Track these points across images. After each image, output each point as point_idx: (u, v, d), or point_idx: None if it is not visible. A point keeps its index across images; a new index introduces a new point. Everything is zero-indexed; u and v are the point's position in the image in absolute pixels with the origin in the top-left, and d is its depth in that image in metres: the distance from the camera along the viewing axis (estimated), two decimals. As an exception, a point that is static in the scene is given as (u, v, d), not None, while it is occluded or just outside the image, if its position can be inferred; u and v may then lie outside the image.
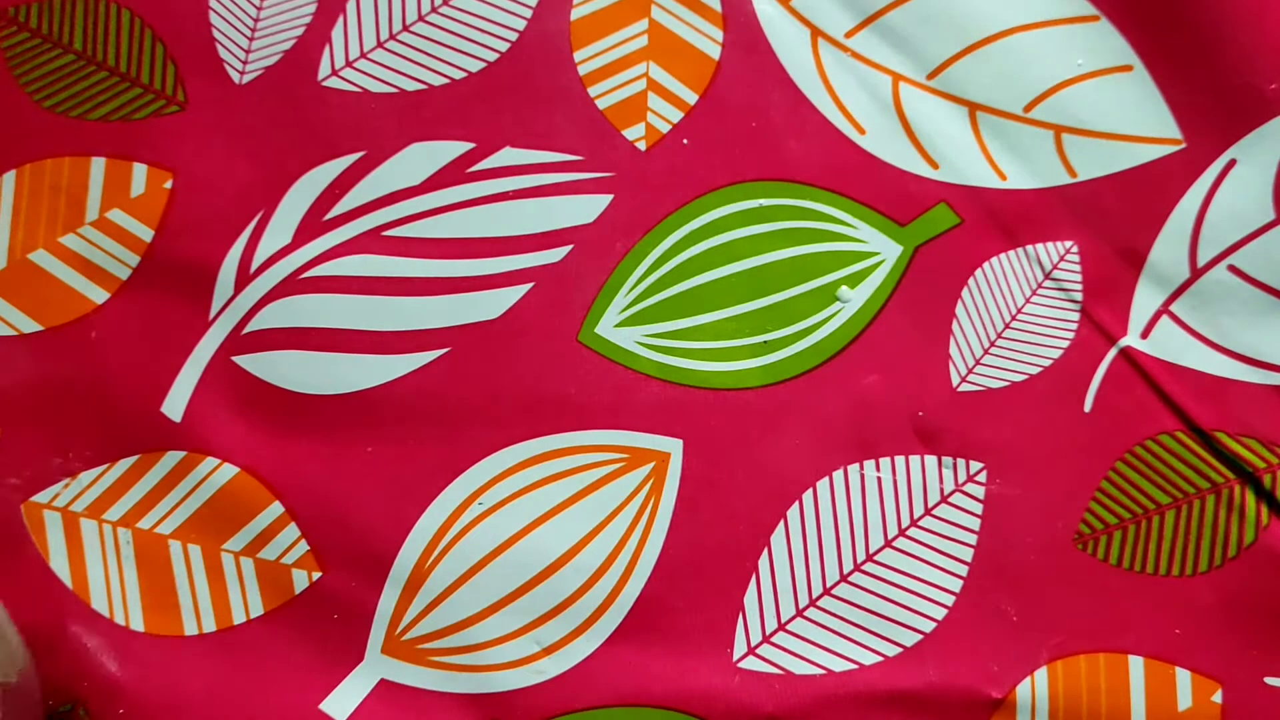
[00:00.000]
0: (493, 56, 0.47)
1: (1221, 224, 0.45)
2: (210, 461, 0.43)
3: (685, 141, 0.45)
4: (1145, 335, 0.44)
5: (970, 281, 0.45)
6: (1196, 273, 0.45)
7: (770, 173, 0.45)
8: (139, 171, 0.45)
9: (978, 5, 0.47)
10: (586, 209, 0.45)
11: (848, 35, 0.46)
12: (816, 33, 0.47)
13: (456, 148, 0.46)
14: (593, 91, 0.46)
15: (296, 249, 0.45)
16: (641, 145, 0.45)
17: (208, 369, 0.44)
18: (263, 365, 0.44)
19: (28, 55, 0.47)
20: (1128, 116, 0.46)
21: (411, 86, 0.46)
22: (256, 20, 0.47)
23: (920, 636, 0.41)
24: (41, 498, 0.43)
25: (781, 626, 0.42)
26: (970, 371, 0.44)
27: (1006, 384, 0.44)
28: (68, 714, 0.40)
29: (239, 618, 0.42)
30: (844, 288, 0.41)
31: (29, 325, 0.44)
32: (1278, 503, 0.42)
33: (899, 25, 0.47)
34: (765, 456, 0.43)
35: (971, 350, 0.44)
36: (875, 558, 0.42)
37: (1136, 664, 0.41)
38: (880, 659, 0.41)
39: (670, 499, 0.43)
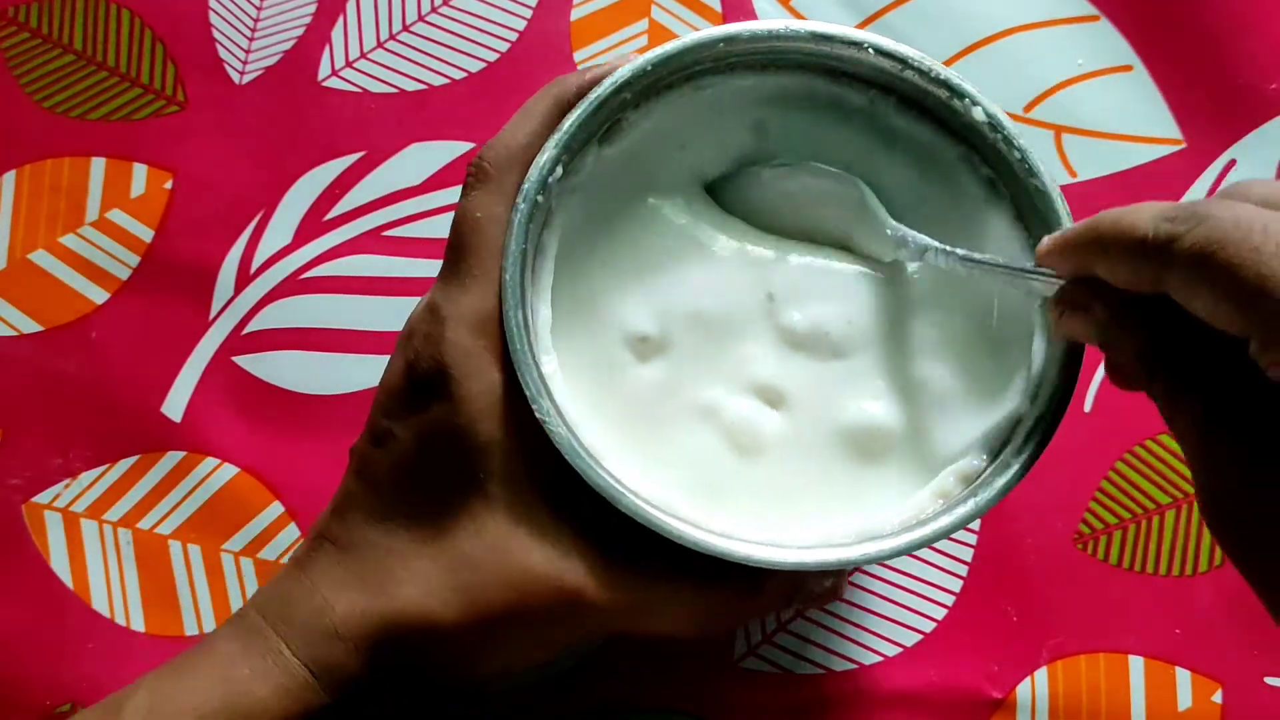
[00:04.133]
0: (493, 57, 0.47)
1: (1221, 224, 0.45)
2: (210, 461, 0.43)
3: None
4: (1145, 335, 0.44)
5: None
6: (1196, 273, 0.44)
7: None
8: (139, 171, 0.45)
9: (978, 5, 0.47)
10: (586, 209, 0.45)
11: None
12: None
13: (456, 147, 0.46)
14: (593, 91, 0.46)
15: (297, 249, 0.45)
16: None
17: (208, 369, 0.44)
18: (263, 365, 0.44)
19: (28, 55, 0.47)
20: (1128, 116, 0.46)
21: (411, 87, 0.46)
22: (256, 20, 0.47)
23: (920, 636, 0.41)
24: (42, 498, 0.43)
25: (782, 626, 0.42)
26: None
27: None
28: (66, 714, 0.40)
29: (239, 618, 0.42)
30: None
31: (29, 325, 0.44)
32: (1278, 503, 0.42)
33: (899, 25, 0.46)
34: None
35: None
36: (875, 558, 0.42)
37: (1136, 664, 0.41)
38: (880, 658, 0.41)
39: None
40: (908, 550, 0.29)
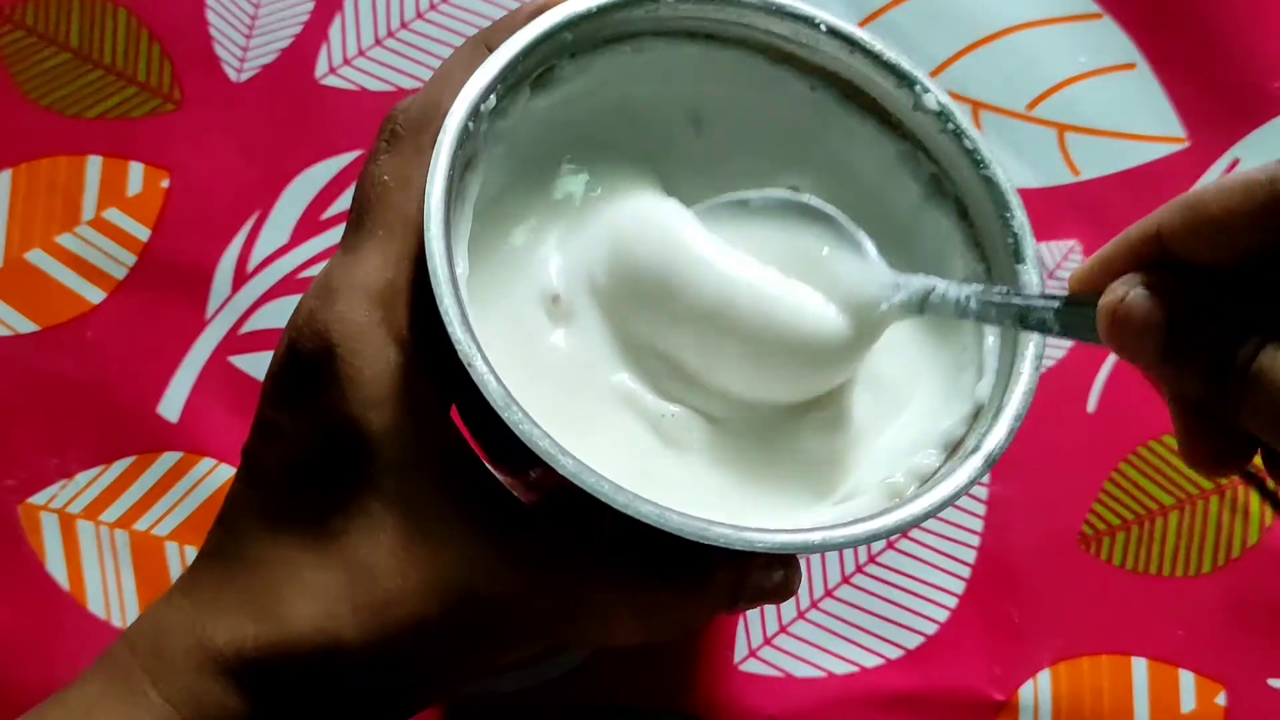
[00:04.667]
0: (491, 54, 0.46)
1: (1225, 223, 0.44)
2: (207, 462, 0.42)
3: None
4: (1149, 335, 0.44)
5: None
6: (1200, 272, 0.44)
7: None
8: (135, 170, 0.45)
9: (980, 3, 0.46)
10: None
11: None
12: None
13: (455, 146, 0.45)
14: (592, 90, 0.46)
15: (294, 248, 0.45)
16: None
17: (204, 369, 0.43)
18: (260, 365, 0.43)
19: (24, 53, 0.46)
20: (1131, 115, 0.46)
21: (410, 85, 0.46)
22: (254, 18, 0.47)
23: (922, 639, 0.41)
24: (38, 499, 0.42)
25: (783, 629, 0.41)
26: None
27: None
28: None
29: (236, 620, 0.41)
30: None
31: (25, 325, 0.44)
32: (1282, 503, 0.42)
33: (900, 22, 0.46)
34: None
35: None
36: (877, 559, 0.42)
37: (1139, 665, 0.41)
38: (882, 661, 0.41)
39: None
40: (876, 537, 0.26)
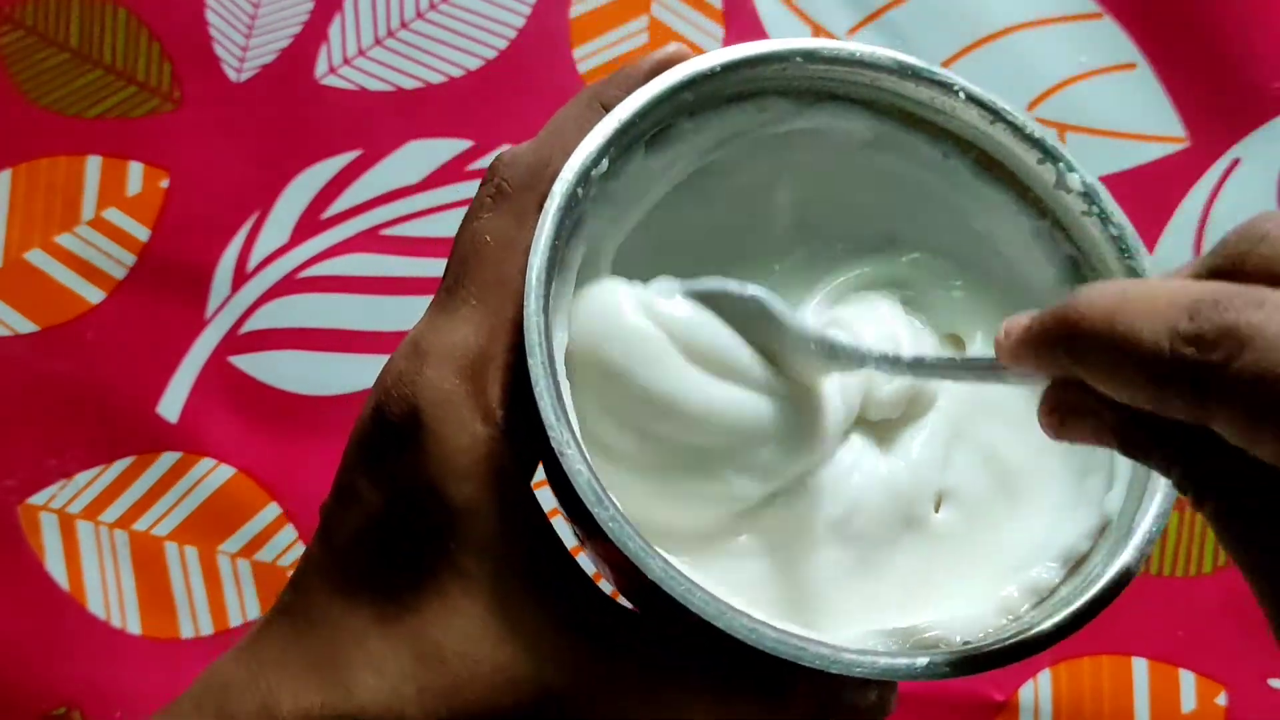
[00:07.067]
0: (492, 54, 0.46)
1: (1226, 223, 0.44)
2: (207, 462, 0.42)
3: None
4: (1149, 335, 0.44)
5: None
6: (1200, 272, 0.44)
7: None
8: (135, 170, 0.45)
9: (980, 3, 0.46)
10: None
11: (849, 33, 0.46)
12: (817, 30, 0.46)
13: (455, 146, 0.45)
14: (592, 89, 0.46)
15: (293, 248, 0.45)
16: (641, 144, 0.45)
17: (204, 369, 0.43)
18: (260, 365, 0.43)
19: (24, 53, 0.46)
20: (1131, 114, 0.45)
21: (410, 84, 0.46)
22: (253, 18, 0.47)
23: (922, 638, 0.41)
24: (38, 499, 0.42)
25: (782, 628, 0.41)
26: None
27: (1009, 384, 0.43)
28: (61, 718, 0.40)
29: (235, 620, 0.41)
30: None
31: (25, 325, 0.44)
32: (1282, 503, 0.42)
33: (900, 22, 0.46)
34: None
35: (974, 350, 0.44)
36: (877, 559, 0.42)
37: (1140, 666, 0.41)
38: (882, 661, 0.41)
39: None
40: (982, 668, 0.24)
